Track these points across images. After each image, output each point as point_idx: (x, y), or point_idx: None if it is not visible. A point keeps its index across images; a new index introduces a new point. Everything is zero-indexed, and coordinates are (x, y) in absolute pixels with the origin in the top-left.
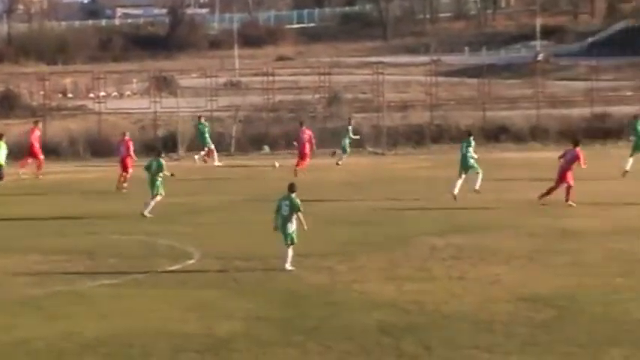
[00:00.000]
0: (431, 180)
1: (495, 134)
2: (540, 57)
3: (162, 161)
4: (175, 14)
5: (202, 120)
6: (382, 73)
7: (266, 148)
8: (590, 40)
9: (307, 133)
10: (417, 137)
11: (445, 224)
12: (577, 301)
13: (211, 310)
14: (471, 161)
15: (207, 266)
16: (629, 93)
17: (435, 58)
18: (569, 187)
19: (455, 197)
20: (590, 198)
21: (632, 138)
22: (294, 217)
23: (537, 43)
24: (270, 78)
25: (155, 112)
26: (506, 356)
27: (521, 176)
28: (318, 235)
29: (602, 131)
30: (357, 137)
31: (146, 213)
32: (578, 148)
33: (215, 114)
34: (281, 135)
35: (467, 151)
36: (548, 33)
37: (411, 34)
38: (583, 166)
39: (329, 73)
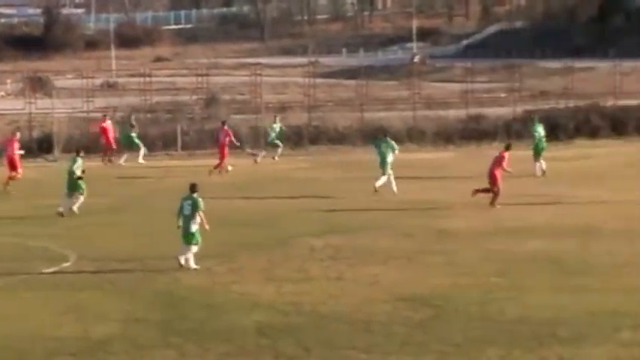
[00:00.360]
0: (309, 181)
1: (373, 135)
2: (416, 59)
3: (79, 159)
4: (50, 14)
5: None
6: (260, 75)
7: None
8: (465, 42)
9: (227, 133)
10: (296, 138)
11: (323, 225)
12: (453, 300)
13: (87, 313)
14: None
15: (83, 268)
16: (503, 94)
17: (312, 59)
18: (496, 192)
19: (374, 190)
20: (466, 199)
21: (535, 141)
22: (197, 216)
23: (413, 45)
24: (148, 79)
25: (30, 113)
26: (384, 356)
27: (397, 177)
28: None
29: (477, 132)
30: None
31: (75, 209)
32: (506, 152)
33: (92, 115)
34: (158, 136)
35: (386, 151)
36: (424, 35)
37: (289, 35)
38: (507, 169)
39: (207, 75)
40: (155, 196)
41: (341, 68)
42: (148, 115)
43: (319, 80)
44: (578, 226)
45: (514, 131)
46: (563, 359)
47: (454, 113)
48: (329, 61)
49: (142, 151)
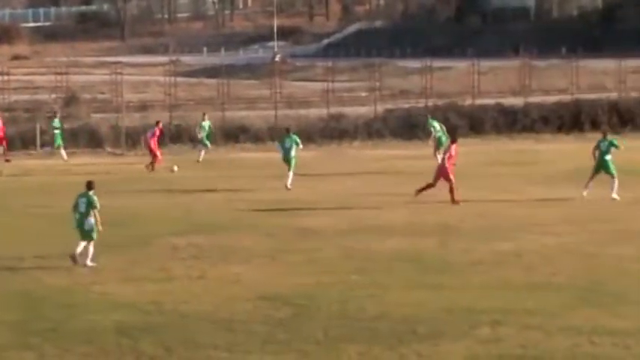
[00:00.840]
0: (170, 180)
1: (235, 134)
2: (278, 58)
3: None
4: None
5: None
6: (121, 73)
7: None
8: (325, 41)
9: (158, 131)
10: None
11: (186, 224)
12: (315, 298)
13: None
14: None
15: None
16: (363, 94)
17: (173, 58)
18: (451, 187)
19: (286, 188)
20: (326, 197)
21: (434, 137)
22: (92, 213)
23: (275, 44)
24: (5, 77)
25: None
26: (245, 355)
27: (259, 176)
28: (56, 236)
29: (338, 131)
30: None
31: None
32: (454, 145)
33: None
34: (16, 135)
35: (291, 146)
36: (285, 34)
37: (149, 34)
38: (451, 161)
39: (66, 73)
40: (14, 194)
41: (202, 67)
42: (6, 114)
43: (180, 79)
44: (436, 225)
45: (375, 130)
46: (422, 356)
47: (315, 112)
48: (190, 59)
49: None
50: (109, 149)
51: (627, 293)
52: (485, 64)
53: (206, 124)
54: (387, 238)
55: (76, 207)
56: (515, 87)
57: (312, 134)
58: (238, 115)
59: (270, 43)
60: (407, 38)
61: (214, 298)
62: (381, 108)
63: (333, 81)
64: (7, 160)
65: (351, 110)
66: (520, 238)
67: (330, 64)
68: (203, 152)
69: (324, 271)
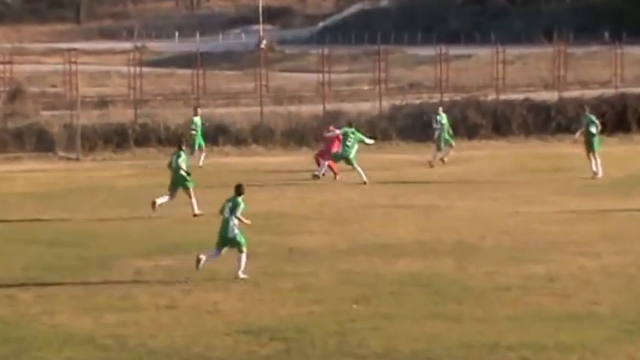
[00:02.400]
0: (135, 190)
1: (212, 136)
2: (263, 44)
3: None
4: None
5: None
6: (75, 62)
7: None
8: (321, 24)
9: None
10: (119, 139)
11: (152, 243)
12: (308, 332)
13: None
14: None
15: None
16: (366, 87)
17: (139, 44)
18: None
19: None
20: (321, 210)
21: (437, 132)
22: (234, 219)
23: (260, 28)
24: None
25: None
26: None
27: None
28: None
29: None
30: None
31: None
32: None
33: None
34: None
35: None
36: (272, 16)
37: (110, 15)
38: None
39: (10, 62)
40: None
41: (173, 55)
42: None
43: (147, 69)
44: (453, 243)
45: (379, 130)
46: None
47: (308, 109)
48: (159, 46)
49: None
50: (61, 153)
51: None
52: (512, 51)
53: (198, 120)
54: (393, 260)
55: (222, 211)
56: (548, 79)
57: (304, 135)
58: (217, 112)
59: (255, 27)
60: (418, 21)
61: (187, 331)
62: (387, 104)
63: (329, 72)
64: None
65: (351, 107)
66: (553, 259)
67: (326, 51)
68: (203, 155)
69: (318, 299)
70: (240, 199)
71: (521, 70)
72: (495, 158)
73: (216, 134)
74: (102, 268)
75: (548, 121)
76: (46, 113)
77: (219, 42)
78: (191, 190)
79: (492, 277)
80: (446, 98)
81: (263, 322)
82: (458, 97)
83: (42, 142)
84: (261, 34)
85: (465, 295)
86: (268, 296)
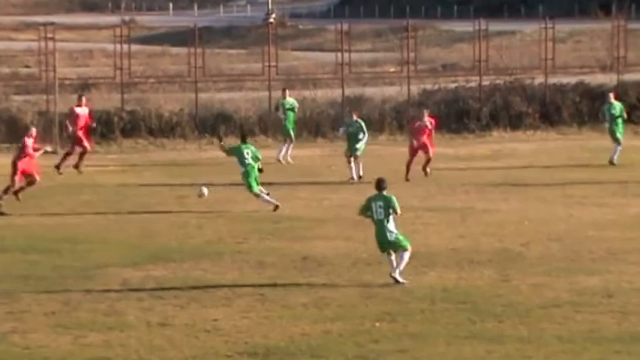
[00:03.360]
0: (122, 189)
1: (213, 124)
2: (272, 18)
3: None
4: None
5: None
6: (53, 39)
7: None
8: None
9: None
10: (103, 129)
11: (142, 250)
12: (323, 354)
13: None
14: None
15: None
16: (392, 69)
17: (126, 18)
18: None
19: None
20: (340, 212)
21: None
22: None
23: None
24: None
25: None
26: None
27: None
28: None
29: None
30: None
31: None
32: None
33: None
34: None
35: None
36: None
37: None
38: None
39: None
40: None
41: (166, 31)
42: None
43: (136, 47)
44: (493, 251)
45: (408, 119)
46: None
47: (325, 94)
48: (150, 20)
49: None
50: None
51: None
52: (563, 27)
53: (290, 102)
54: (424, 271)
55: (364, 212)
56: (605, 59)
57: (320, 125)
58: (218, 97)
59: None
60: None
61: (182, 353)
62: (416, 88)
63: (349, 51)
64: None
65: (374, 91)
66: (611, 270)
67: (345, 27)
68: (288, 147)
69: (336, 317)
70: (387, 194)
71: (573, 50)
72: (544, 152)
73: (217, 123)
74: (83, 279)
75: None
76: (18, 98)
77: (221, 15)
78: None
79: (539, 291)
80: (486, 82)
81: (271, 343)
82: (500, 81)
83: (13, 132)
84: (270, 6)
85: (507, 313)
86: (277, 312)
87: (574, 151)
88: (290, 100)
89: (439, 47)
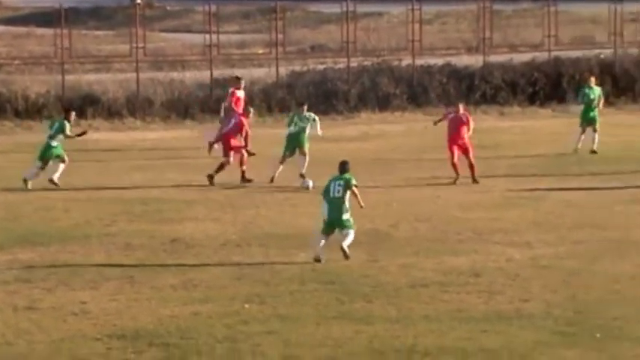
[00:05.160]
0: None
1: (80, 106)
2: None
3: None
4: None
5: None
6: None
7: None
8: None
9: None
10: None
11: (8, 233)
12: (192, 336)
13: None
14: None
15: None
16: (260, 50)
17: None
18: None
19: None
20: (209, 194)
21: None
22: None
23: None
24: None
25: None
26: None
27: (114, 165)
28: None
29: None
30: None
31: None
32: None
33: None
34: None
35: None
36: None
37: None
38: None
39: None
40: None
41: (31, 11)
42: None
43: (0, 28)
44: (361, 232)
45: (277, 101)
46: None
47: (193, 76)
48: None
49: None
50: None
51: (621, 326)
52: (429, 9)
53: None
54: (294, 252)
55: (326, 193)
56: (471, 41)
57: (189, 106)
58: (85, 79)
59: None
60: None
61: (50, 336)
62: (285, 70)
63: (217, 32)
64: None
65: (243, 73)
66: (478, 250)
67: (213, 8)
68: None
69: (205, 299)
70: (348, 175)
71: (440, 31)
72: (411, 134)
73: (84, 105)
74: None
75: (472, 89)
76: None
77: None
78: None
79: (408, 271)
80: (354, 63)
81: (140, 325)
82: (367, 63)
83: None
84: None
85: (376, 293)
86: (146, 295)
87: (441, 133)
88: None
89: (307, 29)
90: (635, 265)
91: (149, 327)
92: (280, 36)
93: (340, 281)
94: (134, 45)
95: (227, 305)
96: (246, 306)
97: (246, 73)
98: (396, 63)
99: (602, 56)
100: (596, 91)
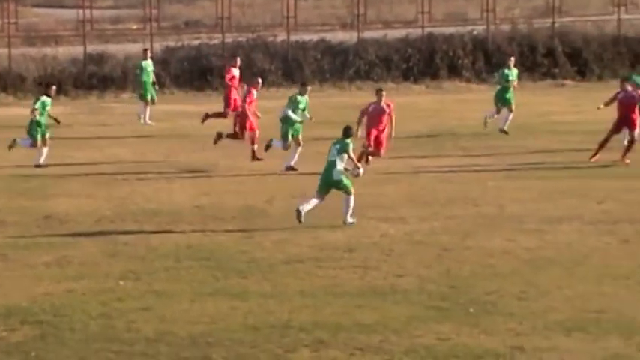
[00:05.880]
0: None
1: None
2: None
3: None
4: None
5: None
6: None
7: None
8: None
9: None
10: None
11: None
12: (66, 313)
13: None
14: None
15: None
16: (134, 26)
17: None
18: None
19: None
20: (83, 170)
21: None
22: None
23: None
24: None
25: None
26: None
27: None
28: None
29: (99, 78)
30: None
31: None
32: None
33: None
34: None
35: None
36: None
37: None
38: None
39: None
40: None
41: None
42: None
43: None
44: (236, 208)
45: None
46: None
47: (67, 52)
48: None
49: None
50: None
51: (495, 301)
52: None
53: (148, 64)
54: (169, 228)
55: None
56: (346, 17)
57: (63, 82)
58: None
59: None
60: None
61: None
62: (159, 46)
63: (91, 7)
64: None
65: (117, 49)
66: (352, 225)
67: None
68: (147, 111)
69: (79, 275)
70: (348, 141)
71: (314, 7)
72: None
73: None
74: None
75: (346, 65)
76: None
77: None
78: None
79: (282, 247)
80: (229, 39)
81: (13, 303)
82: (242, 39)
83: None
84: None
85: (251, 269)
86: (19, 272)
87: (316, 109)
88: (150, 62)
89: (181, 4)
90: (507, 239)
91: (22, 304)
92: (154, 11)
93: (215, 257)
94: (6, 20)
95: (102, 282)
96: (121, 282)
97: (120, 49)
98: (270, 39)
99: (474, 33)
100: (514, 72)
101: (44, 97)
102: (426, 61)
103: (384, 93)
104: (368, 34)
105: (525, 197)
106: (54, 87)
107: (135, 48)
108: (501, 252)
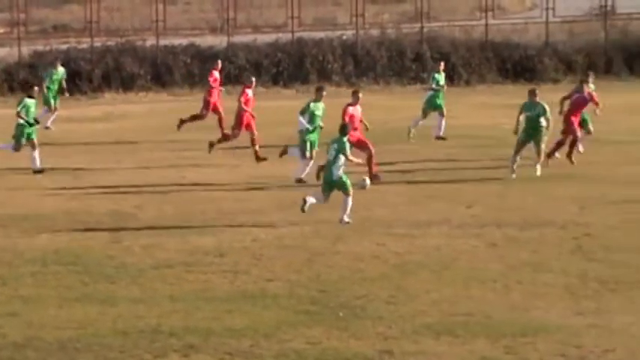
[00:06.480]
0: None
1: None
2: None
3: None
4: None
5: None
6: None
7: None
8: None
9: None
10: None
11: None
12: None
13: None
14: None
15: None
16: (1, 30)
17: None
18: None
19: None
20: None
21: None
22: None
23: None
24: None
25: None
26: None
27: None
28: None
29: None
30: None
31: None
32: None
33: None
34: None
35: None
36: None
37: None
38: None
39: None
40: None
41: None
42: None
43: None
44: (105, 213)
45: (18, 82)
46: None
47: None
48: None
49: None
50: None
51: (364, 305)
52: None
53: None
54: (35, 234)
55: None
56: (216, 21)
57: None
58: None
59: None
60: None
61: None
62: (27, 50)
63: None
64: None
65: None
66: (223, 230)
67: None
68: (52, 116)
69: None
70: (345, 139)
71: (183, 12)
72: (156, 114)
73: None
74: None
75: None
76: None
77: None
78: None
79: (152, 252)
80: (97, 43)
81: None
82: (111, 43)
83: None
84: None
85: (119, 274)
86: None
87: (186, 112)
88: (61, 70)
89: (49, 8)
90: (377, 243)
91: None
92: (22, 15)
93: (83, 262)
94: None
95: None
96: None
97: None
98: (140, 43)
99: (344, 37)
100: (443, 77)
101: (27, 100)
102: (296, 66)
103: (360, 95)
104: (237, 39)
105: (395, 201)
106: (36, 88)
107: (2, 52)
108: (371, 256)
